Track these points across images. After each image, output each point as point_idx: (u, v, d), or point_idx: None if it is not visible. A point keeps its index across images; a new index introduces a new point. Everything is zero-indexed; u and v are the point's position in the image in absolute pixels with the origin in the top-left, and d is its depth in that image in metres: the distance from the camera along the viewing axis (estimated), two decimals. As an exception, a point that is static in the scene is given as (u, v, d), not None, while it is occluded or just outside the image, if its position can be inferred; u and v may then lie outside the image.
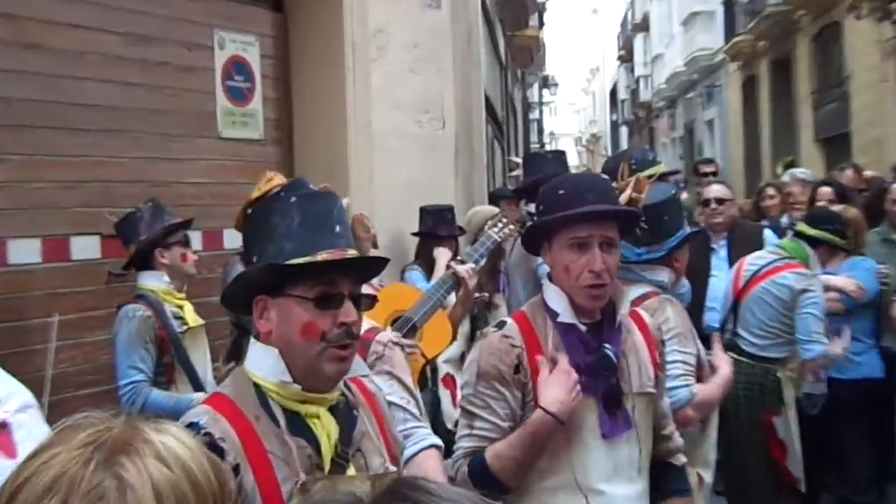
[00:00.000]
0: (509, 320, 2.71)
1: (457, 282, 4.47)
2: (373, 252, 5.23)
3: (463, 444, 2.65)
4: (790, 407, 4.65)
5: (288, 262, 1.97)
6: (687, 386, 3.28)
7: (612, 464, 2.60)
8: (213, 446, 1.88)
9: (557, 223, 2.61)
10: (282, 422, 1.99)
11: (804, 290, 4.63)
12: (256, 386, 2.03)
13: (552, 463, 2.58)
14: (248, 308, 2.08)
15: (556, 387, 2.52)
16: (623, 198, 3.24)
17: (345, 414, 2.08)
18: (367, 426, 2.13)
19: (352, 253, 2.03)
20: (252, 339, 2.11)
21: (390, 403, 2.99)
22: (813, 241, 4.93)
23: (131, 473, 1.17)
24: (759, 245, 5.87)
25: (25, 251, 4.48)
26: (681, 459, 2.91)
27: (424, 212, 5.68)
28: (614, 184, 3.17)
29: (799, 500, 4.78)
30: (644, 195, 3.41)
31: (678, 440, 2.93)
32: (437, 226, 5.62)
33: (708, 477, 3.52)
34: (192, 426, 1.93)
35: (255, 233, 2.11)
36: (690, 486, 3.02)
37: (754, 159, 20.56)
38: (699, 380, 3.41)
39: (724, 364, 3.54)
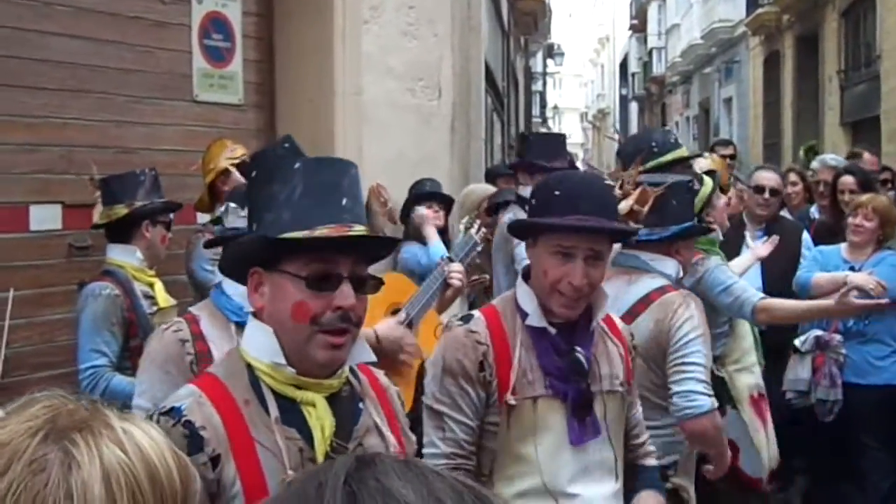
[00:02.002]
0: (477, 314, 2.76)
1: (444, 280, 4.51)
2: (389, 228, 5.27)
3: (438, 449, 2.67)
4: (744, 402, 4.55)
5: (280, 237, 1.96)
6: (710, 396, 3.30)
7: (583, 466, 2.67)
8: (193, 436, 1.88)
9: (544, 228, 2.66)
10: (273, 409, 1.98)
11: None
12: (250, 367, 2.02)
13: (520, 468, 2.65)
14: (245, 279, 2.07)
15: None
16: (623, 206, 3.25)
17: (347, 405, 2.06)
18: (374, 420, 2.11)
19: (357, 230, 2.00)
20: (250, 316, 2.10)
21: None
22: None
23: (81, 450, 1.17)
24: (795, 245, 5.87)
25: (-22, 219, 4.45)
26: (652, 461, 2.99)
27: (411, 187, 5.77)
28: (618, 185, 3.18)
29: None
30: (646, 208, 3.46)
31: (650, 447, 2.99)
32: (420, 185, 5.72)
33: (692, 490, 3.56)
34: (173, 411, 1.93)
35: (255, 199, 2.09)
36: (662, 484, 3.07)
37: (774, 142, 20.57)
38: None
39: None
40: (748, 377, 4.63)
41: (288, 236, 1.95)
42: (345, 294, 1.96)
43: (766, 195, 6.10)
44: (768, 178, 6.27)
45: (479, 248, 4.82)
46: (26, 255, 4.60)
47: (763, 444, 4.58)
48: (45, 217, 4.69)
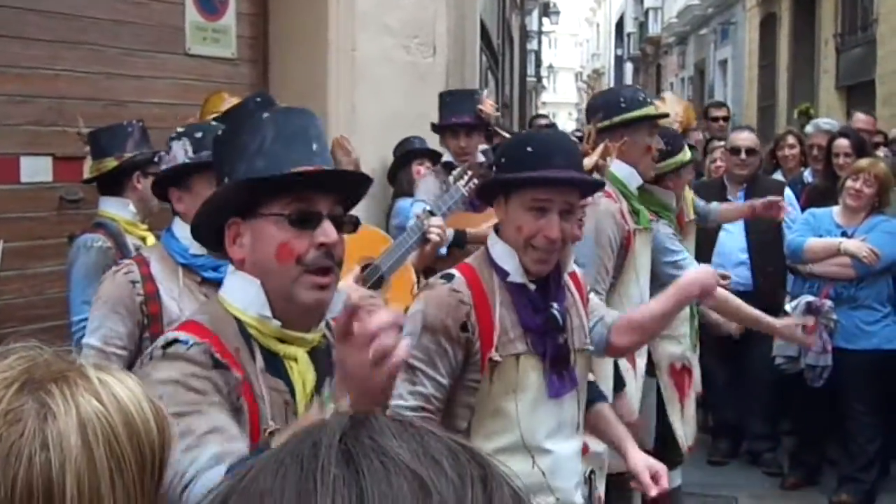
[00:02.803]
0: (457, 273, 2.78)
1: (423, 234, 4.43)
2: None
3: (405, 401, 2.66)
4: (662, 369, 4.50)
5: (258, 177, 1.96)
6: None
7: (557, 422, 2.76)
8: (215, 359, 1.89)
9: (520, 183, 2.68)
10: (259, 361, 1.99)
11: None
12: (237, 319, 2.02)
13: (499, 423, 2.70)
14: (219, 238, 2.06)
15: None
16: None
17: (324, 358, 2.06)
18: None
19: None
20: (230, 269, 2.10)
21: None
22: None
23: (56, 401, 1.17)
24: None
25: (-31, 171, 4.43)
26: (592, 377, 3.15)
27: (398, 146, 5.79)
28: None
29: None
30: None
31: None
32: (408, 142, 5.72)
33: (594, 446, 3.49)
34: (178, 342, 1.92)
35: (225, 152, 2.09)
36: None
37: (769, 105, 20.51)
38: None
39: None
40: (673, 346, 4.53)
41: (266, 175, 1.96)
42: (326, 231, 1.97)
43: (743, 155, 6.14)
44: (743, 138, 6.30)
45: (462, 199, 4.72)
46: (17, 206, 4.59)
47: (676, 416, 4.53)
48: (35, 169, 4.67)
